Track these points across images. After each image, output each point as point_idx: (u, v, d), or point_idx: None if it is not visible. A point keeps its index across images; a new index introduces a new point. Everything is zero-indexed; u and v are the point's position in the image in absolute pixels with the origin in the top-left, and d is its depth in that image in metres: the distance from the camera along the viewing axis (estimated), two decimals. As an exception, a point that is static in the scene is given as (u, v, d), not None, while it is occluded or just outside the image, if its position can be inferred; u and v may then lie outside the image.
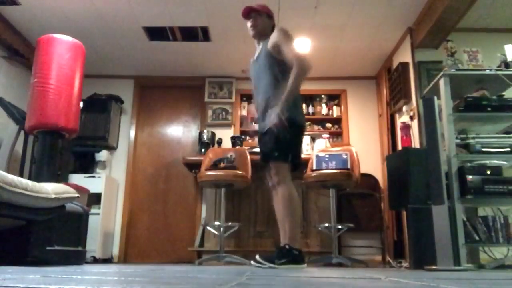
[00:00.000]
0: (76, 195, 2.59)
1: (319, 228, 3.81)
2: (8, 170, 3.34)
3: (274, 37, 2.67)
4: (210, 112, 5.34)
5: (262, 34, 2.82)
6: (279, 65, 2.65)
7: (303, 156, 4.22)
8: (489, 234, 2.89)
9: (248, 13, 2.81)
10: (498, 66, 3.10)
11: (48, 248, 2.50)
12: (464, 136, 3.06)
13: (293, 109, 2.59)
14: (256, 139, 3.14)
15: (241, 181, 3.69)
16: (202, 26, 4.28)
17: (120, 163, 5.14)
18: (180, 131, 5.41)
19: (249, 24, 2.82)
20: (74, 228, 2.86)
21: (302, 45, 4.59)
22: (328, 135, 4.58)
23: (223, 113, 5.32)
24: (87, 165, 4.79)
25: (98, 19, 4.15)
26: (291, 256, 2.45)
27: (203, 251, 4.14)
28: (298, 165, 2.71)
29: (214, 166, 3.76)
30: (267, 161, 2.63)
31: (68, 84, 3.03)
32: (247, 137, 4.91)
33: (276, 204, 2.57)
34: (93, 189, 4.27)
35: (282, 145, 2.56)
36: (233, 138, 4.77)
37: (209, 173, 3.71)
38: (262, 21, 2.82)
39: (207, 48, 4.70)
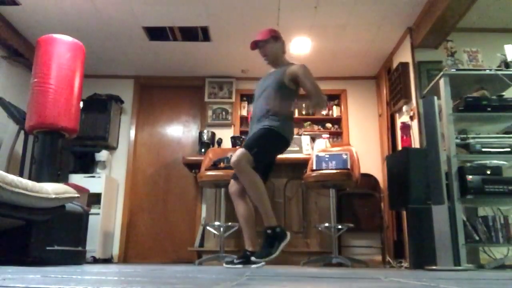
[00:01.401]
0: (76, 195, 2.59)
1: (319, 228, 3.81)
2: (8, 170, 3.35)
3: (295, 70, 2.79)
4: (210, 112, 5.34)
5: (275, 59, 2.92)
6: (286, 91, 2.79)
7: (303, 156, 4.27)
8: (489, 234, 2.89)
9: (255, 46, 2.92)
10: (498, 66, 3.11)
11: (48, 248, 2.50)
12: (464, 136, 3.06)
13: (287, 122, 2.78)
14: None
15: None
16: (202, 26, 4.28)
17: (120, 163, 5.14)
18: (180, 131, 5.41)
19: (261, 55, 2.94)
20: (74, 228, 2.86)
21: (302, 45, 4.59)
22: (328, 135, 4.58)
23: (223, 113, 5.32)
24: (87, 165, 4.79)
25: (98, 19, 4.15)
26: (278, 236, 2.56)
27: (203, 251, 4.14)
28: (265, 173, 2.80)
29: (214, 166, 3.76)
30: (245, 146, 2.70)
31: (68, 84, 3.03)
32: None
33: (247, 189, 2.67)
34: (93, 189, 4.27)
35: (257, 140, 2.69)
36: (233, 138, 4.77)
37: (209, 173, 3.71)
38: (270, 48, 2.90)
39: (207, 48, 4.70)
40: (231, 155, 3.77)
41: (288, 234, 2.61)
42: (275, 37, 2.93)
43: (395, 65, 4.58)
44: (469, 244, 2.84)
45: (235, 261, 2.61)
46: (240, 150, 2.65)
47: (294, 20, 4.13)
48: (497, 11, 3.99)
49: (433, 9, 3.73)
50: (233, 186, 2.77)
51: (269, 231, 2.58)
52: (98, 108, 4.92)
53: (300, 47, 4.62)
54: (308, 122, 5.32)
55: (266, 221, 2.61)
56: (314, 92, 2.73)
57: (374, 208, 4.49)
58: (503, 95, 3.14)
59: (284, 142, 2.80)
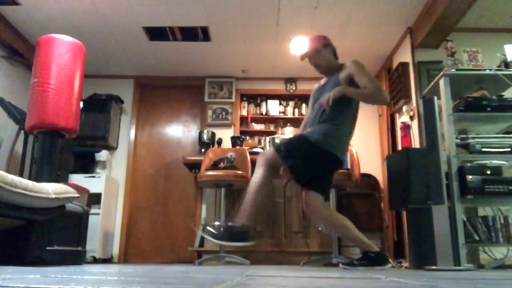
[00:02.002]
0: (76, 195, 2.59)
1: (319, 228, 3.81)
2: (8, 170, 3.34)
3: (349, 69, 2.63)
4: (210, 112, 5.34)
5: (329, 67, 2.78)
6: (344, 103, 2.60)
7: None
8: (489, 234, 2.89)
9: (308, 53, 2.79)
10: (498, 66, 3.10)
11: (48, 248, 2.50)
12: (464, 136, 3.06)
13: (341, 145, 2.61)
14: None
15: (241, 181, 3.68)
16: (202, 26, 4.28)
17: (120, 163, 5.14)
18: (180, 131, 5.41)
19: (311, 63, 2.81)
20: (74, 228, 2.86)
21: (302, 45, 4.59)
22: (328, 135, 4.57)
23: (223, 113, 5.32)
24: (87, 165, 4.79)
25: (98, 19, 4.15)
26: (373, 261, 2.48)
27: (203, 251, 4.14)
28: (325, 193, 2.65)
29: (214, 166, 3.76)
30: (312, 187, 2.58)
31: (68, 84, 3.03)
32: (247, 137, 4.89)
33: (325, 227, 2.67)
34: (93, 189, 4.27)
35: (304, 159, 2.54)
36: (233, 138, 4.77)
37: (209, 173, 3.71)
38: (323, 57, 2.77)
39: (207, 48, 4.70)
40: (231, 155, 3.78)
41: (390, 265, 2.49)
42: (326, 44, 2.80)
43: (395, 65, 4.58)
44: (469, 244, 2.84)
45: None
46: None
47: (294, 20, 4.13)
48: (497, 11, 3.99)
49: (433, 9, 3.73)
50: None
51: (370, 254, 2.49)
52: (98, 108, 4.92)
53: (300, 47, 4.61)
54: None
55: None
56: (371, 86, 2.49)
57: (374, 208, 4.49)
58: (503, 95, 3.13)
59: (336, 164, 2.63)
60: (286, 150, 2.54)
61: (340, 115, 2.61)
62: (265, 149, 4.60)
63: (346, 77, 2.60)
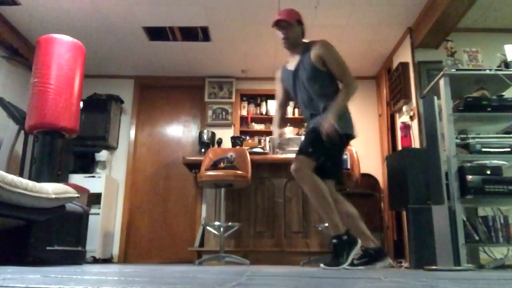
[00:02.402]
0: (76, 195, 2.59)
1: (319, 228, 3.81)
2: (8, 170, 3.34)
3: (318, 50, 2.65)
4: (210, 112, 5.34)
5: (295, 44, 2.75)
6: (325, 76, 2.66)
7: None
8: (489, 234, 2.89)
9: (278, 24, 2.73)
10: (498, 66, 3.10)
11: (48, 248, 2.50)
12: (464, 136, 3.06)
13: (346, 123, 2.64)
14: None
15: (241, 181, 3.68)
16: (202, 26, 4.28)
17: (120, 163, 5.14)
18: (180, 131, 5.41)
19: (280, 35, 2.74)
20: (74, 228, 2.86)
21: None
22: (328, 135, 4.57)
23: (223, 113, 5.32)
24: (87, 165, 4.79)
25: (98, 19, 4.15)
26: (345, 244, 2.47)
27: (203, 251, 4.14)
28: (337, 174, 2.74)
29: (214, 166, 3.76)
30: (301, 152, 2.59)
31: (68, 84, 3.03)
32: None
33: (308, 197, 2.62)
34: (93, 189, 4.27)
35: (321, 146, 2.55)
36: (233, 138, 4.77)
37: (209, 173, 3.71)
38: (293, 31, 2.74)
39: (207, 48, 4.70)
40: (231, 155, 3.78)
41: (359, 241, 2.50)
42: (299, 21, 2.78)
43: (395, 65, 4.58)
44: (469, 244, 2.84)
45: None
46: (300, 160, 2.57)
47: (294, 20, 4.13)
48: (497, 11, 4.00)
49: (433, 9, 3.73)
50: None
51: (334, 241, 2.49)
52: (98, 108, 4.92)
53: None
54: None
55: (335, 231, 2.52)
56: (350, 83, 2.62)
57: (374, 208, 4.49)
58: (503, 95, 3.13)
59: (348, 139, 2.72)
60: (316, 152, 2.56)
61: (330, 87, 2.68)
62: (265, 149, 4.59)
63: (319, 61, 2.63)
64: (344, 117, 2.62)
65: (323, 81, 2.66)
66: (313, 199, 2.55)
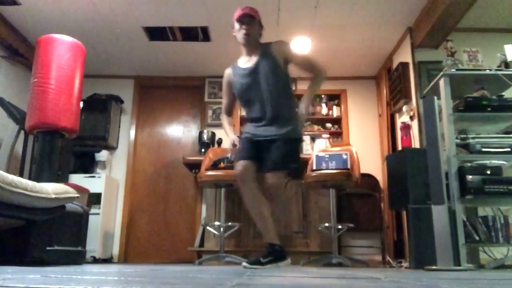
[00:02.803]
0: (76, 195, 2.59)
1: (319, 228, 3.81)
2: (8, 170, 3.34)
3: (280, 47, 2.68)
4: (210, 112, 5.34)
5: (253, 43, 2.71)
6: (285, 77, 2.71)
7: (302, 156, 4.27)
8: (489, 234, 2.89)
9: (244, 18, 2.67)
10: (498, 66, 3.10)
11: (48, 248, 2.50)
12: (464, 136, 3.06)
13: (299, 128, 2.69)
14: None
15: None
16: (202, 26, 4.28)
17: (120, 163, 5.14)
18: (180, 131, 5.41)
19: (243, 29, 2.66)
20: (74, 228, 2.86)
21: (302, 45, 4.59)
22: (328, 135, 4.58)
23: (223, 113, 5.32)
24: (87, 165, 4.79)
25: (98, 19, 4.15)
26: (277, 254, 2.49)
27: (203, 251, 4.14)
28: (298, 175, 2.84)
29: (214, 166, 3.76)
30: (278, 169, 2.56)
31: (68, 84, 3.03)
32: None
33: (273, 211, 2.56)
34: (93, 189, 4.27)
35: (296, 157, 2.67)
36: (233, 138, 4.76)
37: (209, 173, 3.71)
38: (254, 29, 2.70)
39: (207, 48, 4.70)
40: (231, 155, 3.78)
41: (289, 259, 2.53)
42: (260, 23, 2.76)
43: (395, 65, 4.58)
44: (469, 244, 2.84)
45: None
46: (282, 176, 2.56)
47: (294, 20, 4.13)
48: (497, 11, 4.00)
49: (433, 9, 3.73)
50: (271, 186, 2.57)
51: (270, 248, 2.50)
52: (98, 108, 4.92)
53: (300, 47, 4.61)
54: (308, 122, 5.31)
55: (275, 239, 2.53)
56: (320, 70, 2.71)
57: (374, 208, 4.49)
58: (503, 95, 3.14)
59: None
60: (291, 166, 2.60)
61: (290, 93, 2.78)
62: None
63: (281, 58, 2.66)
64: (297, 123, 2.67)
65: (284, 82, 2.70)
66: (278, 213, 2.59)
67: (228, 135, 2.86)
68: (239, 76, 2.75)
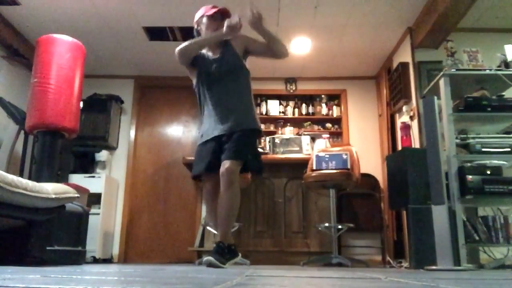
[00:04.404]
0: (76, 195, 2.59)
1: (319, 228, 3.81)
2: (8, 170, 3.34)
3: (241, 39, 2.70)
4: (210, 112, 5.33)
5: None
6: (245, 71, 2.71)
7: (303, 156, 4.28)
8: (489, 234, 2.89)
9: (219, 14, 2.70)
10: (498, 66, 3.11)
11: (48, 248, 2.50)
12: (464, 136, 3.07)
13: (255, 115, 2.67)
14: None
15: (241, 181, 3.67)
16: (202, 26, 4.27)
17: (120, 163, 5.14)
18: (180, 131, 5.41)
19: (215, 26, 2.67)
20: (74, 228, 2.86)
21: (302, 45, 4.59)
22: (328, 135, 4.58)
23: (223, 113, 5.31)
24: (87, 165, 4.79)
25: (98, 19, 4.15)
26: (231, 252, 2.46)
27: (203, 251, 4.14)
28: (259, 169, 2.70)
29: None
30: (231, 158, 2.49)
31: (68, 84, 3.03)
32: None
33: (227, 203, 2.50)
34: (93, 189, 4.27)
35: (251, 148, 2.61)
36: (233, 138, 4.76)
37: (209, 173, 3.70)
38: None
39: (207, 48, 4.69)
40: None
41: (239, 255, 2.53)
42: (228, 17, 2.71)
43: (395, 65, 4.58)
44: (469, 244, 2.84)
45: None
46: (236, 166, 2.49)
47: (294, 20, 4.13)
48: (497, 11, 4.00)
49: (433, 9, 3.73)
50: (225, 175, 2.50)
51: (221, 245, 2.44)
52: (98, 108, 4.92)
53: (300, 47, 4.62)
54: (308, 122, 5.32)
55: (225, 238, 2.48)
56: (272, 35, 2.64)
57: (374, 208, 4.50)
58: (503, 95, 3.14)
59: (260, 135, 2.75)
60: (245, 156, 2.56)
61: (248, 88, 2.71)
62: (265, 149, 4.59)
63: (242, 50, 2.69)
64: (254, 116, 2.65)
65: (244, 77, 2.69)
66: (230, 203, 2.49)
67: (212, 36, 2.68)
68: (206, 63, 2.70)
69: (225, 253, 2.40)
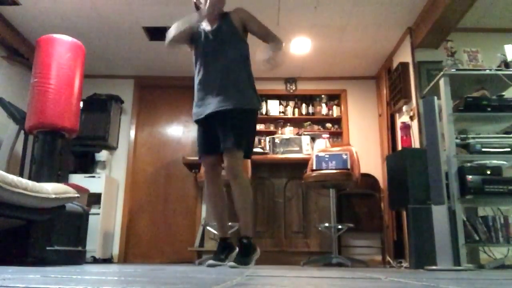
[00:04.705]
0: (76, 195, 2.59)
1: (319, 228, 3.81)
2: (8, 170, 3.34)
3: (240, 13, 2.58)
4: (210, 112, 5.33)
5: (216, 14, 2.61)
6: (245, 44, 2.61)
7: (303, 156, 4.28)
8: (489, 234, 2.89)
9: None
10: (498, 66, 3.11)
11: (48, 248, 2.50)
12: (464, 136, 3.07)
13: (255, 93, 2.58)
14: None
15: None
16: (202, 26, 4.27)
17: (120, 163, 5.14)
18: (180, 131, 5.41)
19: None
20: (74, 228, 2.86)
21: (302, 45, 4.59)
22: (328, 135, 4.59)
23: (223, 113, 5.31)
24: (87, 165, 4.79)
25: (98, 19, 4.15)
26: (252, 248, 2.44)
27: (203, 251, 4.14)
28: (247, 154, 2.55)
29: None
30: (231, 149, 2.40)
31: (68, 84, 3.03)
32: None
33: (238, 195, 2.47)
34: (93, 189, 4.27)
35: (249, 130, 2.53)
36: (233, 138, 4.76)
37: (209, 173, 3.70)
38: (223, 2, 2.62)
39: (207, 48, 4.69)
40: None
41: (259, 250, 2.49)
42: None
43: (395, 65, 4.58)
44: (469, 244, 2.85)
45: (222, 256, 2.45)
46: (239, 155, 2.41)
47: (294, 20, 4.13)
48: (497, 11, 4.00)
49: (433, 9, 3.73)
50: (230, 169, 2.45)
51: (245, 241, 2.42)
52: (98, 108, 4.92)
53: (300, 47, 4.62)
54: (308, 122, 5.32)
55: (251, 232, 2.49)
56: (270, 33, 2.53)
57: (374, 208, 4.50)
58: (503, 95, 3.14)
59: (257, 113, 2.63)
60: (248, 141, 2.50)
61: (247, 62, 2.62)
62: (265, 149, 4.60)
63: (240, 25, 2.57)
64: (255, 91, 2.58)
65: (242, 50, 2.57)
66: (242, 194, 2.45)
67: (182, 23, 2.62)
68: (201, 36, 2.61)
69: (251, 250, 2.39)
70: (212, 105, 2.49)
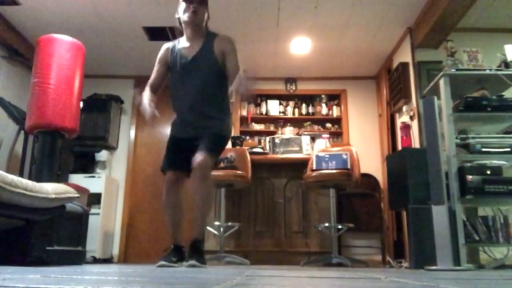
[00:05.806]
0: (76, 195, 2.59)
1: (319, 228, 3.82)
2: (8, 170, 3.34)
3: (225, 44, 2.62)
4: (210, 112, 5.32)
5: (200, 29, 2.65)
6: (221, 74, 2.63)
7: (303, 156, 4.28)
8: (489, 234, 2.89)
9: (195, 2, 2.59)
10: (498, 66, 3.11)
11: (48, 248, 2.50)
12: (464, 136, 3.06)
13: (229, 122, 2.75)
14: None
15: (241, 181, 3.69)
16: (202, 26, 4.27)
17: (120, 163, 5.14)
18: (180, 131, 5.41)
19: (191, 8, 2.57)
20: (74, 228, 2.86)
21: (302, 45, 4.59)
22: (328, 135, 4.59)
23: (223, 113, 5.31)
24: (87, 165, 4.79)
25: (98, 19, 4.15)
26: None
27: (203, 251, 4.14)
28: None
29: (214, 166, 3.76)
30: (210, 151, 2.49)
31: (68, 84, 3.03)
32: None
33: (200, 199, 2.51)
34: (93, 189, 4.27)
35: (221, 149, 2.63)
36: (233, 138, 4.77)
37: (209, 173, 3.70)
38: (203, 11, 2.63)
39: (207, 48, 4.69)
40: (231, 155, 3.78)
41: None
42: (208, 13, 2.68)
43: (395, 65, 4.58)
44: (469, 244, 2.84)
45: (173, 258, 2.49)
46: (212, 160, 2.52)
47: (294, 20, 4.13)
48: (497, 11, 3.99)
49: (433, 9, 3.73)
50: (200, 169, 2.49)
51: (199, 244, 2.53)
52: (98, 108, 4.92)
53: (300, 47, 4.62)
54: (308, 122, 5.32)
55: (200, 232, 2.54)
56: (237, 72, 2.49)
57: (374, 208, 4.50)
58: (503, 95, 3.14)
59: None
60: (217, 150, 2.60)
61: (223, 89, 2.69)
62: (265, 149, 4.60)
63: (220, 55, 2.60)
64: (227, 120, 2.72)
65: (219, 78, 2.62)
66: (206, 198, 2.51)
67: (143, 102, 2.81)
68: (177, 59, 2.68)
69: (203, 252, 2.44)
70: (190, 131, 2.65)
